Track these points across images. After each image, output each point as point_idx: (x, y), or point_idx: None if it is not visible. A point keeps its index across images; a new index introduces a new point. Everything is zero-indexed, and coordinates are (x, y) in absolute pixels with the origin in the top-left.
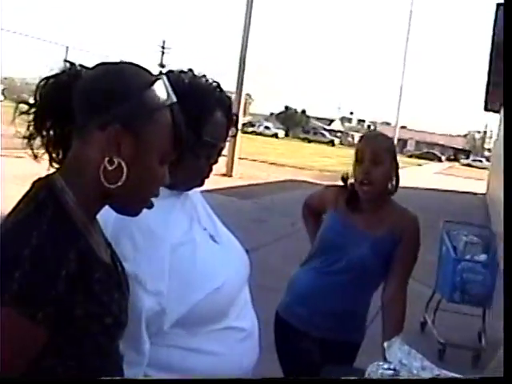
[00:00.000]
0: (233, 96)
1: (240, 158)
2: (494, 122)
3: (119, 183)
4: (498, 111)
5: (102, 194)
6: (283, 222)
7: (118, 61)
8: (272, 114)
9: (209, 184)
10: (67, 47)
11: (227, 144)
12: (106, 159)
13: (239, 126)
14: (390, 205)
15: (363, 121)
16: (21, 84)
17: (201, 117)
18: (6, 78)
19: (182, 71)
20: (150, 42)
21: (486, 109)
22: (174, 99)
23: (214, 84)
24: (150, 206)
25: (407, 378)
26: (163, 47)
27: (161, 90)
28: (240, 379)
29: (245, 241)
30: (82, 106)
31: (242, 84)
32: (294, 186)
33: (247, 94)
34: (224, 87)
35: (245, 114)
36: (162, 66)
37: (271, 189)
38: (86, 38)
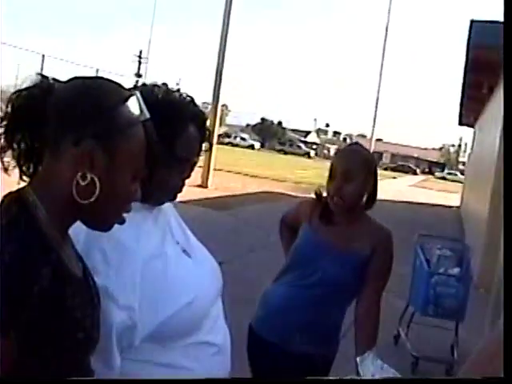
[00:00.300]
0: (209, 107)
1: (215, 169)
2: (468, 136)
3: (91, 199)
4: (471, 125)
5: (74, 209)
6: (258, 234)
7: (92, 76)
8: (248, 125)
9: (184, 195)
10: (43, 55)
11: (202, 156)
12: (79, 174)
13: (215, 138)
14: (364, 219)
15: (339, 133)
16: None
17: (174, 132)
18: None
19: (155, 85)
20: (127, 51)
21: (461, 123)
22: (148, 115)
23: (188, 98)
24: (122, 221)
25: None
26: (140, 57)
27: (134, 106)
28: (240, 379)
29: (220, 252)
30: (55, 121)
31: (218, 95)
32: (270, 197)
33: (223, 105)
34: (200, 98)
35: (221, 124)
36: (138, 75)
37: (247, 200)
38: (63, 46)
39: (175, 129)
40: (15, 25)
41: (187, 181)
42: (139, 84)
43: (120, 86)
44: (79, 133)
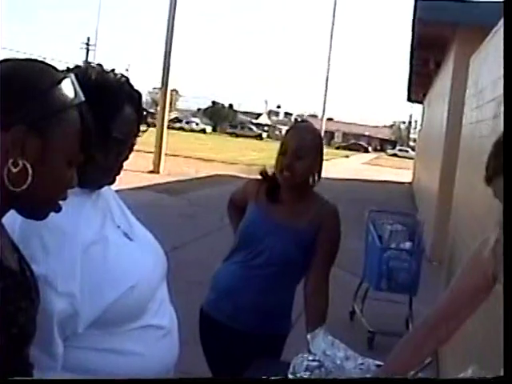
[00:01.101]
0: (159, 92)
1: (167, 155)
2: (417, 113)
3: (24, 186)
4: (420, 102)
5: (7, 198)
6: (212, 217)
7: (23, 58)
8: (199, 109)
9: (137, 181)
10: None
11: (140, 137)
12: (10, 161)
13: (165, 123)
14: (310, 196)
15: (290, 114)
16: None
17: (109, 113)
18: None
19: (89, 66)
20: (75, 39)
21: (410, 99)
22: (82, 98)
23: (123, 79)
24: (58, 209)
25: (407, 377)
26: (88, 44)
27: (68, 88)
28: (240, 379)
29: (174, 237)
30: None
31: (167, 79)
32: (223, 180)
33: (173, 90)
34: (150, 84)
35: (171, 109)
36: (87, 63)
37: (200, 184)
38: (12, 36)
39: (110, 110)
40: None
41: (139, 166)
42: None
43: (53, 67)
44: (9, 117)
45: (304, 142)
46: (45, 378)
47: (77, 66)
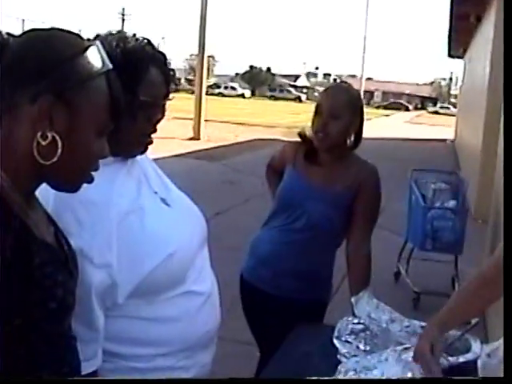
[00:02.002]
0: (196, 59)
1: (206, 121)
2: (458, 69)
3: (54, 159)
4: (461, 57)
5: (37, 172)
6: (253, 182)
7: (48, 28)
8: (237, 74)
9: (177, 148)
10: (23, 20)
11: (193, 107)
12: (39, 134)
13: (204, 89)
14: (348, 158)
15: (329, 75)
16: None
17: (133, 76)
18: None
19: (110, 33)
20: (110, 9)
21: (450, 55)
22: (110, 66)
23: (145, 41)
24: (91, 180)
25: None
26: (123, 14)
27: (95, 56)
28: (240, 379)
29: (216, 203)
30: (9, 78)
31: (203, 46)
32: (263, 145)
33: (210, 56)
34: (187, 51)
35: (209, 75)
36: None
37: (240, 149)
38: (42, 9)
39: (134, 74)
40: None
41: (179, 134)
42: None
43: (79, 36)
44: (35, 89)
45: (338, 102)
46: (44, 379)
47: (97, 35)
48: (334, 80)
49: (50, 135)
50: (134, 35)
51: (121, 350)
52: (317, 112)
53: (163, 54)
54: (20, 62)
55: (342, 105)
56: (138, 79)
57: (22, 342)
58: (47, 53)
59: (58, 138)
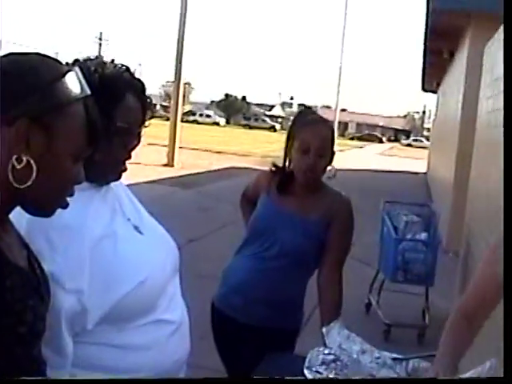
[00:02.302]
0: (172, 85)
1: (181, 148)
2: (431, 102)
3: (29, 183)
4: (434, 91)
5: (12, 195)
6: (227, 210)
7: (27, 52)
8: (213, 101)
9: (150, 175)
10: (0, 41)
11: (168, 134)
12: (14, 157)
13: (179, 116)
14: (322, 188)
15: (303, 105)
16: None
17: (111, 102)
18: None
19: (88, 59)
20: (87, 33)
21: (424, 89)
22: (88, 92)
23: (123, 68)
24: (65, 205)
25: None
26: (100, 39)
27: (73, 82)
28: (240, 379)
29: (190, 230)
30: None
31: (180, 73)
32: (237, 173)
33: (187, 83)
34: (164, 77)
35: (185, 102)
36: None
37: (214, 177)
38: (21, 31)
39: (112, 100)
40: None
41: (153, 160)
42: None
43: (57, 61)
44: (13, 111)
45: (326, 142)
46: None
47: (76, 60)
48: (302, 110)
49: (25, 159)
50: (113, 61)
51: (88, 376)
52: (301, 149)
53: (141, 82)
54: None
55: (328, 144)
56: (115, 105)
57: None
58: (26, 76)
59: (32, 162)
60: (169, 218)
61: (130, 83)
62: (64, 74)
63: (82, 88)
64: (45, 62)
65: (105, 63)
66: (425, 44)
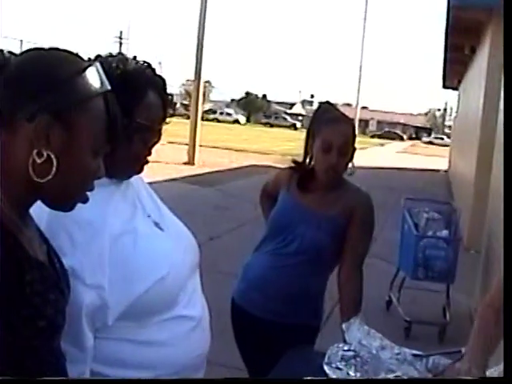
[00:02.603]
0: (193, 84)
1: (201, 146)
2: (453, 99)
3: (49, 177)
4: (456, 88)
5: (32, 189)
6: (247, 208)
7: (47, 47)
8: (233, 100)
9: (171, 173)
10: (21, 41)
11: (188, 132)
12: (35, 152)
13: (199, 114)
14: (342, 184)
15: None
16: None
17: (132, 99)
18: None
19: (110, 55)
20: (107, 33)
21: (445, 86)
22: (108, 87)
23: (145, 65)
24: (85, 200)
25: (406, 377)
26: (121, 38)
27: (93, 77)
28: (242, 379)
29: (210, 228)
30: (8, 96)
31: (200, 71)
32: (257, 171)
33: (207, 81)
34: (184, 76)
35: (205, 101)
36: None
37: (234, 175)
38: (42, 30)
39: (133, 96)
40: None
41: (173, 158)
42: None
43: (78, 56)
44: (34, 107)
45: (348, 139)
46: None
47: (98, 56)
48: (321, 104)
49: (45, 153)
50: (135, 58)
51: (109, 372)
52: (323, 148)
53: (162, 79)
54: (20, 81)
55: (350, 141)
56: (136, 102)
57: (9, 360)
58: (47, 72)
59: (53, 156)
60: (189, 216)
61: (151, 80)
62: (84, 69)
63: (102, 83)
64: (65, 58)
65: (127, 60)
66: (446, 40)
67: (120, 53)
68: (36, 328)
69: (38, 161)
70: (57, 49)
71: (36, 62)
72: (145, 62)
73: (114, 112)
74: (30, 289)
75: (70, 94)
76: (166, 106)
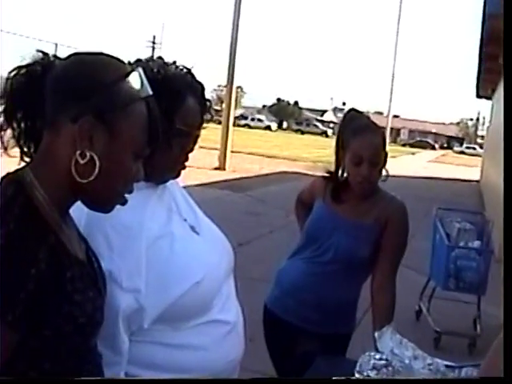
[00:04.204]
0: (224, 89)
1: (233, 152)
2: (486, 109)
3: (91, 178)
4: (489, 98)
5: (74, 189)
6: (277, 214)
7: (92, 51)
8: (264, 106)
9: (202, 178)
10: (56, 44)
11: (220, 137)
12: (78, 152)
13: (231, 120)
14: (377, 193)
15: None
16: None
17: (172, 104)
18: None
19: (151, 59)
20: (141, 38)
21: (478, 95)
22: (150, 92)
23: (185, 70)
24: (124, 202)
25: (406, 377)
26: (153, 43)
27: (136, 82)
28: (242, 379)
29: (239, 234)
30: (53, 97)
31: (232, 77)
32: (288, 177)
33: (239, 87)
34: (216, 81)
35: (237, 106)
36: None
37: (265, 181)
38: (76, 34)
39: (173, 101)
40: (28, 14)
41: (204, 163)
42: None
43: (121, 61)
44: (78, 109)
45: (378, 150)
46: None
47: (138, 60)
48: (349, 112)
49: (88, 154)
50: (174, 62)
51: (143, 374)
52: (354, 161)
53: (201, 84)
54: (65, 83)
55: (380, 151)
56: (176, 107)
57: (48, 354)
58: (91, 75)
59: (95, 157)
60: (219, 222)
61: (191, 85)
62: (128, 74)
63: (144, 88)
64: (109, 62)
65: (167, 64)
66: (480, 49)
67: (160, 57)
68: (76, 324)
69: (81, 161)
70: (102, 53)
71: (82, 66)
72: (184, 66)
73: (155, 116)
74: (71, 286)
75: (113, 98)
76: (204, 111)
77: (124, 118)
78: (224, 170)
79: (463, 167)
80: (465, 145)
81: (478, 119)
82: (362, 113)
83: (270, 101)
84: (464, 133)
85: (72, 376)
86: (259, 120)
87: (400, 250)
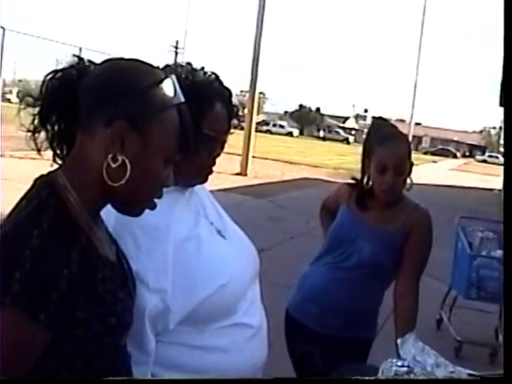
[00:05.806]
0: (247, 95)
1: (254, 157)
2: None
3: (122, 181)
4: None
5: (105, 192)
6: (298, 220)
7: (126, 57)
8: (286, 112)
9: (224, 183)
10: (80, 48)
11: (241, 143)
12: (110, 156)
13: (253, 125)
14: (401, 200)
15: (380, 117)
16: (35, 86)
17: (200, 110)
18: (20, 81)
19: (179, 65)
20: (164, 42)
21: (502, 104)
22: (182, 99)
23: (213, 76)
24: (153, 206)
25: (411, 378)
26: (176, 47)
27: (169, 88)
28: (242, 379)
29: (260, 239)
30: (87, 101)
31: (255, 83)
32: (309, 184)
33: (261, 93)
34: (238, 87)
35: (259, 112)
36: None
37: (286, 187)
38: (100, 38)
39: (201, 107)
40: (52, 18)
41: (226, 169)
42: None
43: (155, 68)
44: (111, 113)
45: (402, 159)
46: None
47: (166, 66)
48: (375, 120)
49: (120, 158)
50: (203, 68)
51: (167, 375)
52: (379, 170)
53: (229, 90)
54: (99, 87)
55: (405, 160)
56: (204, 113)
57: (79, 354)
58: (125, 81)
59: (127, 161)
60: (241, 227)
61: (219, 91)
62: (161, 81)
63: (177, 95)
64: (143, 68)
65: (195, 70)
66: (505, 57)
67: (188, 63)
68: (107, 325)
69: (113, 165)
70: (136, 59)
71: (116, 71)
72: (212, 72)
73: (186, 123)
74: (102, 286)
75: (146, 103)
76: (231, 117)
77: (156, 124)
78: (245, 175)
79: (485, 176)
80: (487, 153)
81: (500, 128)
82: (388, 121)
83: (292, 107)
84: (486, 141)
85: (102, 376)
86: (281, 126)
87: (424, 258)
